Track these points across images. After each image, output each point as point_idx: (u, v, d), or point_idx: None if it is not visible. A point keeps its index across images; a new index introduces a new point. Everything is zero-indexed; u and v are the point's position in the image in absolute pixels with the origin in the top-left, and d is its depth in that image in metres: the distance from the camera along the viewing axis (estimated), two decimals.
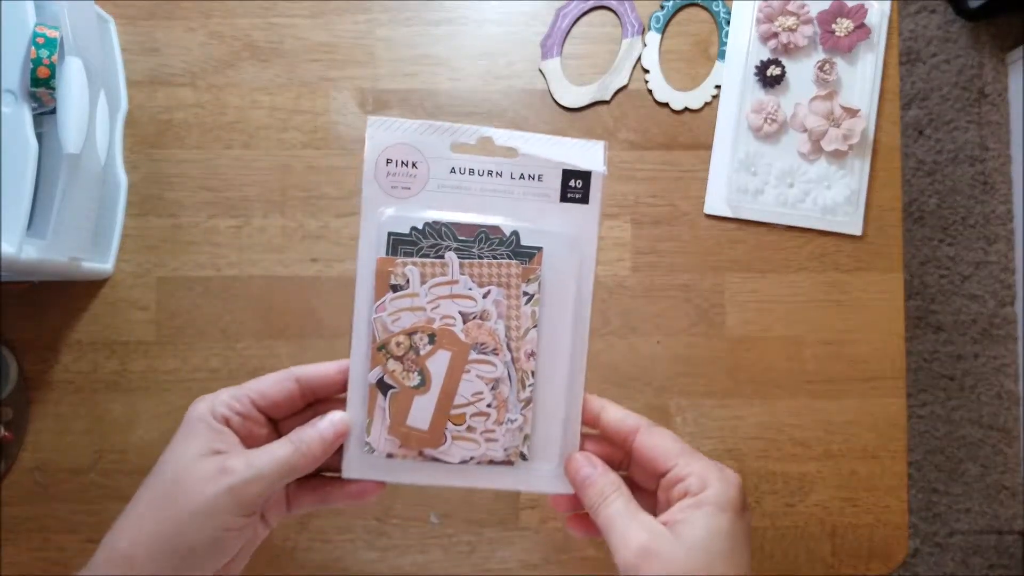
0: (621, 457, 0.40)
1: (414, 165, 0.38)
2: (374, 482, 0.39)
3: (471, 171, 0.38)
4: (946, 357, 1.23)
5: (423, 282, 0.38)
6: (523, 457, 0.39)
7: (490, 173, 0.38)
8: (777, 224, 0.57)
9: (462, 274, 0.38)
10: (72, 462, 0.55)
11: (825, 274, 0.57)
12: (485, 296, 0.38)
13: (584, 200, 0.38)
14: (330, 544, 0.56)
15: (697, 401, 0.57)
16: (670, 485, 0.37)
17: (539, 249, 0.38)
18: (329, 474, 0.40)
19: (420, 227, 0.38)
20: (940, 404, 1.23)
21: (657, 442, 0.37)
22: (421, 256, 0.38)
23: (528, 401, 0.38)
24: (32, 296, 0.55)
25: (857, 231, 0.57)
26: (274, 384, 0.38)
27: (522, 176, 0.38)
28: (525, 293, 0.38)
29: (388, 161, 0.38)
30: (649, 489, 0.39)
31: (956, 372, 1.23)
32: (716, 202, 0.57)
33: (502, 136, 0.38)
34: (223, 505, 0.34)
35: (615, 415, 0.39)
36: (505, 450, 0.38)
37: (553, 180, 0.38)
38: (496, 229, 0.38)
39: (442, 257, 0.38)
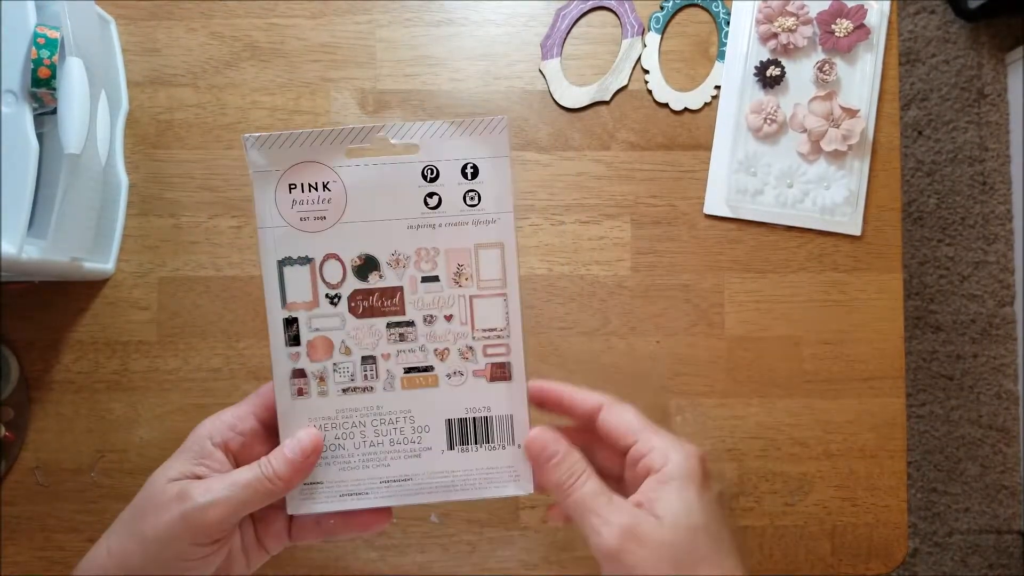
0: (582, 446, 0.38)
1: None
2: (384, 511, 0.38)
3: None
4: (945, 357, 1.23)
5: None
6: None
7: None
8: (776, 224, 0.57)
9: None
10: (73, 462, 0.55)
11: (824, 274, 0.58)
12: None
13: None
14: (330, 543, 0.56)
15: (697, 401, 0.57)
16: (634, 462, 0.36)
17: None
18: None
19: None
20: (939, 404, 1.23)
21: (620, 418, 0.37)
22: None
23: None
24: (33, 296, 0.55)
25: (856, 231, 0.57)
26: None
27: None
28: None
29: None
30: (614, 474, 0.38)
31: (955, 372, 1.23)
32: (716, 202, 0.57)
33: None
34: (179, 533, 0.33)
35: (578, 395, 0.38)
36: None
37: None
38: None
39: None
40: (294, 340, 0.37)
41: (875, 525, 0.57)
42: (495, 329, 0.38)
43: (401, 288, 0.37)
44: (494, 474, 0.38)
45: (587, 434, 0.39)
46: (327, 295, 0.37)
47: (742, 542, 0.56)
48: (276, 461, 0.35)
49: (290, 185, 0.36)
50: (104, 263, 0.55)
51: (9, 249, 0.42)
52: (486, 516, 0.56)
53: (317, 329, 0.37)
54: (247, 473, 0.35)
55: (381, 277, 0.37)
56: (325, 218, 0.36)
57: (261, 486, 0.35)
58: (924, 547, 1.23)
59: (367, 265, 0.37)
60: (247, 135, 0.35)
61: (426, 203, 0.37)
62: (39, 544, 0.55)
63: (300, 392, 0.37)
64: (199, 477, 0.35)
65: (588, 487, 0.35)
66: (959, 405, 1.23)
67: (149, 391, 0.56)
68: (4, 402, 0.54)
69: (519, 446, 0.38)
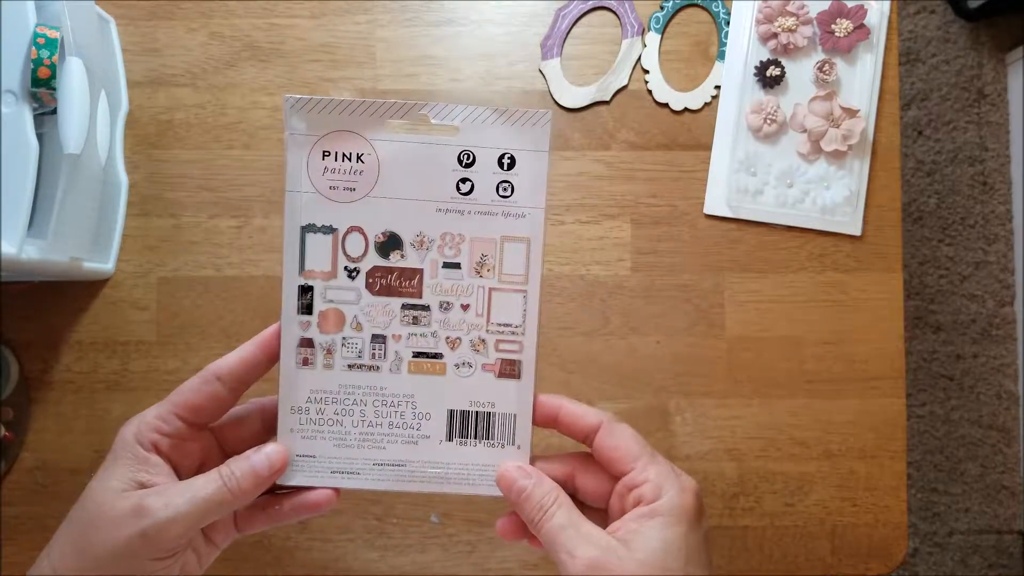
0: (565, 477, 0.37)
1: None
2: (330, 491, 0.37)
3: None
4: (945, 357, 1.23)
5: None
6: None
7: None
8: (777, 224, 0.57)
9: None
10: (72, 462, 0.55)
11: (824, 274, 0.58)
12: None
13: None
14: (330, 544, 0.56)
15: (697, 401, 0.57)
16: (625, 490, 0.35)
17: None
18: (280, 491, 0.38)
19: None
20: (939, 404, 1.23)
21: (618, 442, 0.35)
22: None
23: None
24: (33, 296, 0.55)
25: (856, 231, 0.57)
26: (196, 392, 0.35)
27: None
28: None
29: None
30: (598, 507, 0.37)
31: (955, 372, 1.23)
32: (716, 202, 0.57)
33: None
34: (137, 549, 0.32)
35: (574, 411, 0.37)
36: None
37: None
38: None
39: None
40: (307, 309, 0.37)
41: (875, 525, 0.57)
42: (510, 325, 0.37)
43: (421, 271, 0.37)
44: (489, 472, 0.38)
45: (576, 459, 0.37)
46: (346, 268, 0.37)
47: (742, 544, 0.56)
48: (243, 477, 0.34)
49: (324, 152, 0.36)
50: (104, 263, 0.55)
51: (9, 249, 0.42)
52: (486, 516, 0.56)
53: (331, 301, 0.37)
54: (209, 486, 0.34)
55: (403, 257, 0.37)
56: (354, 190, 0.36)
57: (223, 499, 0.34)
58: (924, 547, 1.23)
59: (390, 243, 0.37)
60: (288, 95, 0.35)
61: (458, 188, 0.36)
62: (39, 544, 0.54)
63: (305, 362, 0.37)
64: (144, 485, 0.34)
65: (556, 520, 0.34)
66: (959, 405, 1.23)
67: (149, 391, 0.56)
68: (4, 402, 0.54)
69: (518, 447, 0.38)
